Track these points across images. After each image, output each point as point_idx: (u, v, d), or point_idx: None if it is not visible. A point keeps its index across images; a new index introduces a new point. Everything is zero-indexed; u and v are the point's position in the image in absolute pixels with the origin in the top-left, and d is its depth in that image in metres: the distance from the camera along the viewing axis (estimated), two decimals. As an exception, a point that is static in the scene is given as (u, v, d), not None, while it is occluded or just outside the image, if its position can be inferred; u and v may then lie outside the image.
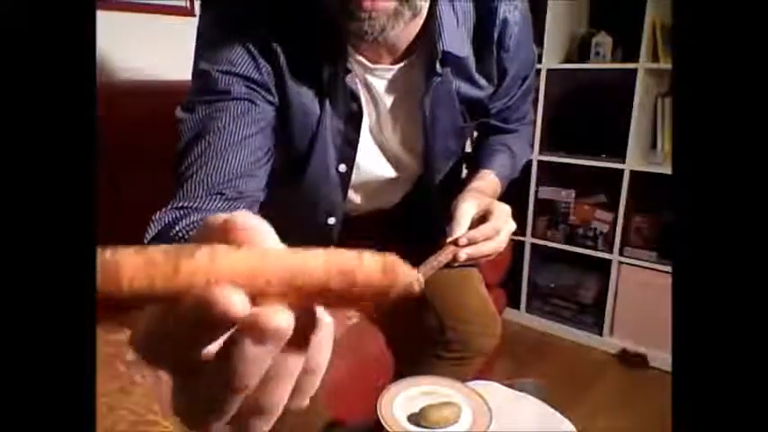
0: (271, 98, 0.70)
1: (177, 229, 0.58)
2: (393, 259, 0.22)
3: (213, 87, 0.66)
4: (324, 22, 0.67)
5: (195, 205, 0.61)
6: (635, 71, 1.81)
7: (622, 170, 1.89)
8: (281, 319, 0.20)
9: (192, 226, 0.58)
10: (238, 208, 0.64)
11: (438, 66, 0.74)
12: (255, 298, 0.20)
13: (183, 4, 1.48)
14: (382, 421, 0.78)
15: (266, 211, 0.49)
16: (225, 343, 0.21)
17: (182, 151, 0.66)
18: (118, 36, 1.34)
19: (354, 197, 0.89)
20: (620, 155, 1.88)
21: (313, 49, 0.70)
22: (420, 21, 0.71)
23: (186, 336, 0.21)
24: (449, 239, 0.71)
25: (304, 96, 0.72)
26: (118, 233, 0.30)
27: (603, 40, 1.91)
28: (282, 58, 0.69)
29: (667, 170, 1.82)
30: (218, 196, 0.63)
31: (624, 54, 1.90)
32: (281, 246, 0.23)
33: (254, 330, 0.20)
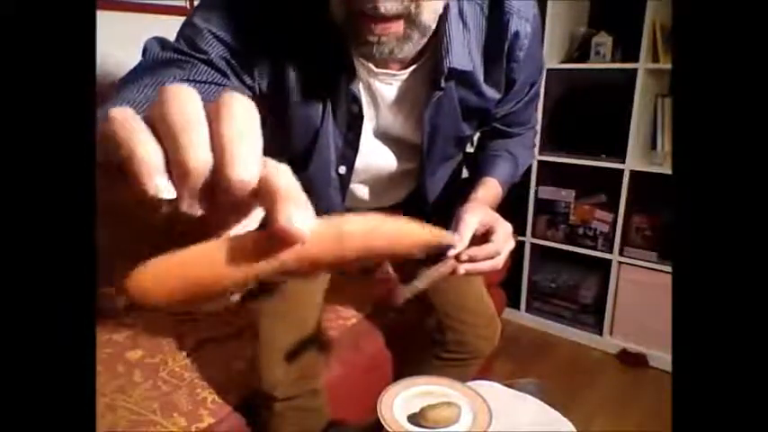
0: (249, 81, 0.68)
1: None
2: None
3: (194, 41, 0.64)
4: (332, 37, 0.67)
5: None
6: (635, 71, 1.81)
7: (622, 170, 1.89)
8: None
9: None
10: None
11: (442, 81, 0.74)
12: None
13: (182, 4, 1.48)
14: (382, 421, 0.78)
15: None
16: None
17: (132, 72, 0.64)
18: (118, 36, 1.34)
19: (362, 193, 0.89)
20: (620, 155, 1.88)
21: (318, 53, 0.70)
22: (429, 34, 0.70)
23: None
24: (450, 253, 0.71)
25: (306, 96, 0.72)
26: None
27: (603, 40, 1.91)
28: (287, 56, 0.69)
29: (667, 170, 1.82)
30: None
31: (624, 54, 1.90)
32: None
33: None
